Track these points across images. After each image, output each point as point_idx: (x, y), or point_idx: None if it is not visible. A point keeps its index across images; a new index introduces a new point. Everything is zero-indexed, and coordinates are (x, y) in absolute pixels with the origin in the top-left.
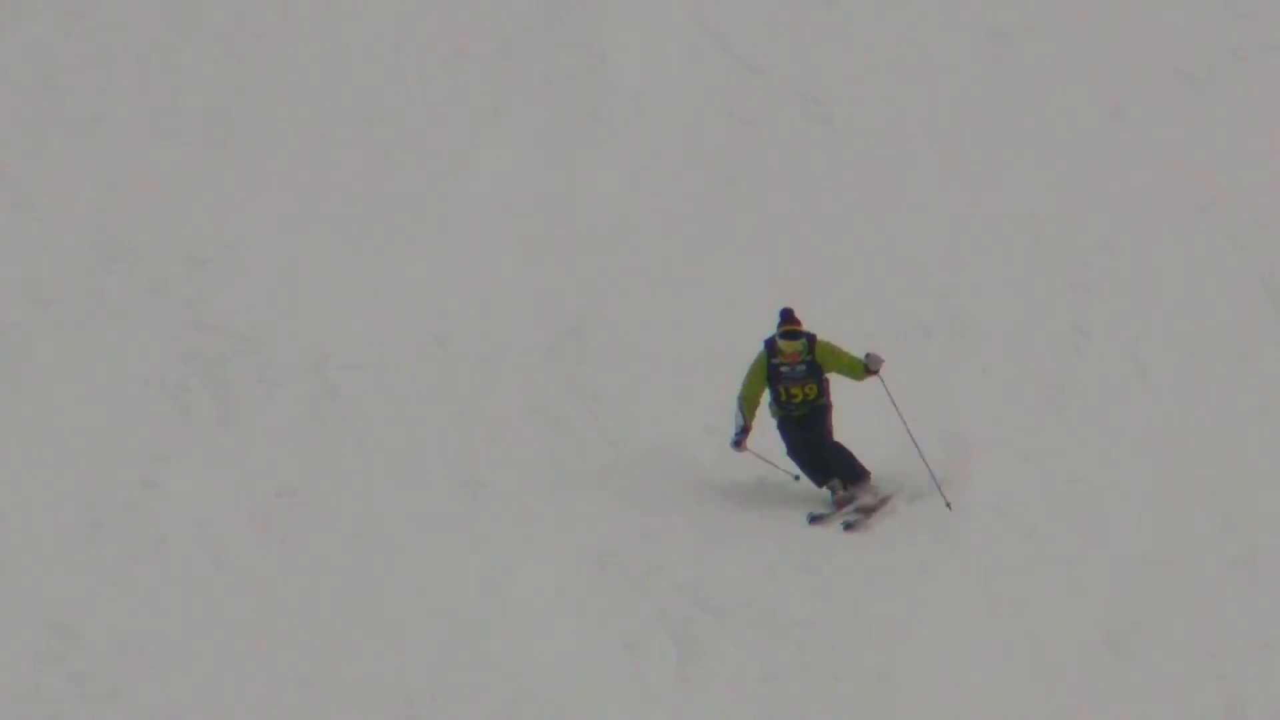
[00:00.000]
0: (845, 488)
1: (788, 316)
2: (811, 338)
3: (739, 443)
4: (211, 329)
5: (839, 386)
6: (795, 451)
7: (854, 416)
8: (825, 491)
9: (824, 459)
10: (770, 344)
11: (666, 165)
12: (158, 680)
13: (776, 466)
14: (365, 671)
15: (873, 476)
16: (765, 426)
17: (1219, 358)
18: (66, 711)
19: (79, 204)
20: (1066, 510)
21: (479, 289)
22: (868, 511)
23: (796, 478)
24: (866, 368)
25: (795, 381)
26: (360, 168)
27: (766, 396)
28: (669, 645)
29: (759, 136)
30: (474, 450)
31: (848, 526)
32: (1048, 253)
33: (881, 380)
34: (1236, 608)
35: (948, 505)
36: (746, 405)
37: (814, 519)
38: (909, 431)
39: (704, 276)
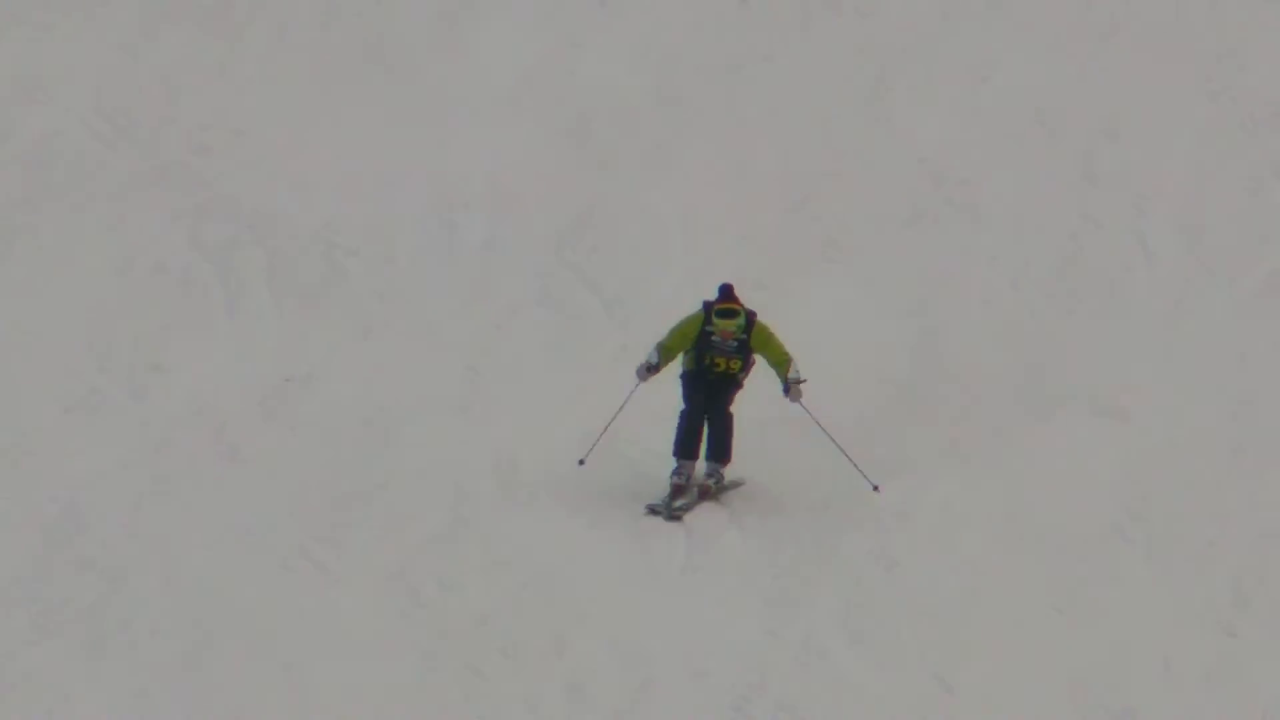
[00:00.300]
0: (686, 476)
1: (726, 294)
2: (751, 317)
3: (644, 376)
4: (217, 213)
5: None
6: (689, 407)
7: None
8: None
9: (711, 422)
10: (708, 309)
11: (669, 46)
12: (163, 564)
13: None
14: (370, 556)
15: (729, 465)
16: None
17: (1224, 242)
18: (74, 594)
19: (82, 86)
20: (1073, 395)
21: (486, 174)
22: (707, 494)
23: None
24: (788, 387)
25: (723, 354)
26: (365, 51)
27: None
28: (678, 533)
29: (763, 18)
30: (480, 336)
31: (673, 516)
32: (1054, 138)
33: (802, 406)
34: (1241, 493)
35: (875, 489)
36: (664, 352)
37: (652, 510)
38: (862, 473)
39: (709, 160)
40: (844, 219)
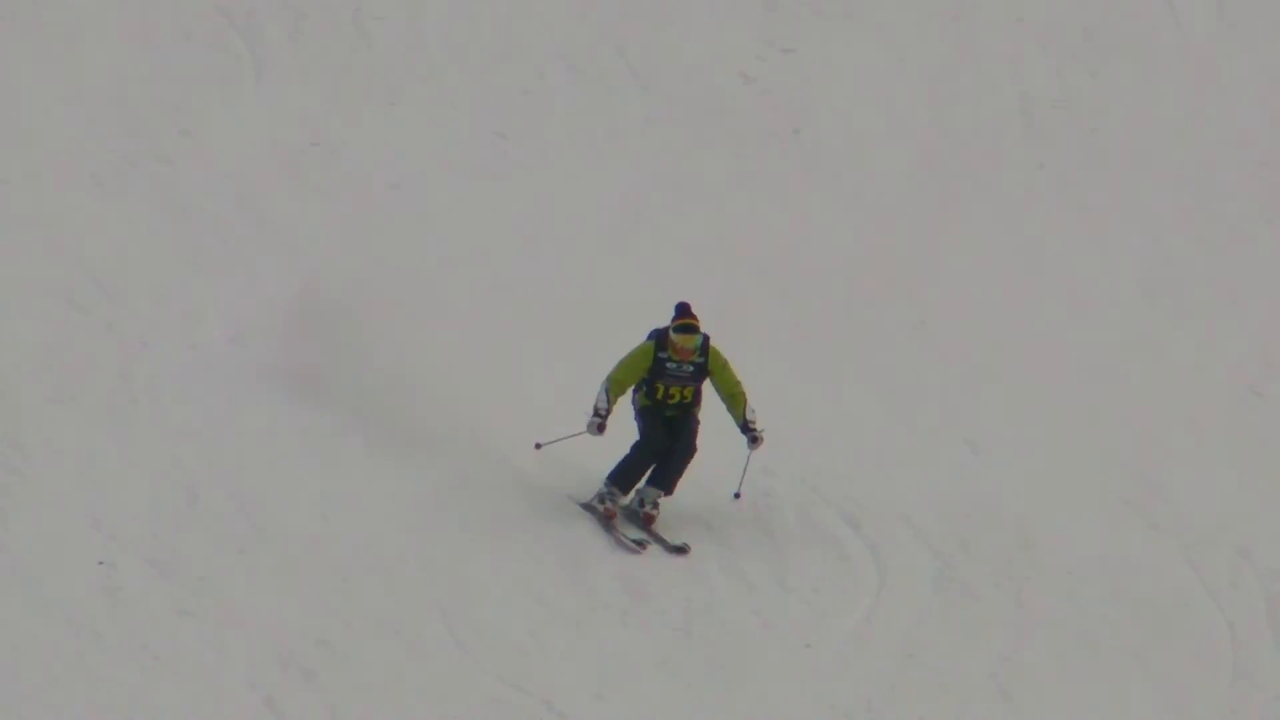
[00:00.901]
0: (614, 504)
1: (684, 310)
2: (706, 339)
3: (600, 425)
4: None
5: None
6: (646, 441)
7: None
8: (631, 499)
9: (671, 454)
10: (660, 337)
11: None
12: (189, 329)
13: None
14: (396, 324)
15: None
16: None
17: (1252, 6)
18: (100, 357)
19: None
20: (1099, 157)
21: None
22: (651, 523)
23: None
24: (748, 428)
25: (679, 381)
26: None
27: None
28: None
29: None
30: (507, 102)
31: (639, 546)
32: None
33: (750, 452)
34: (1267, 251)
35: (736, 495)
36: (614, 388)
37: (639, 544)
38: (740, 479)
39: None
40: None
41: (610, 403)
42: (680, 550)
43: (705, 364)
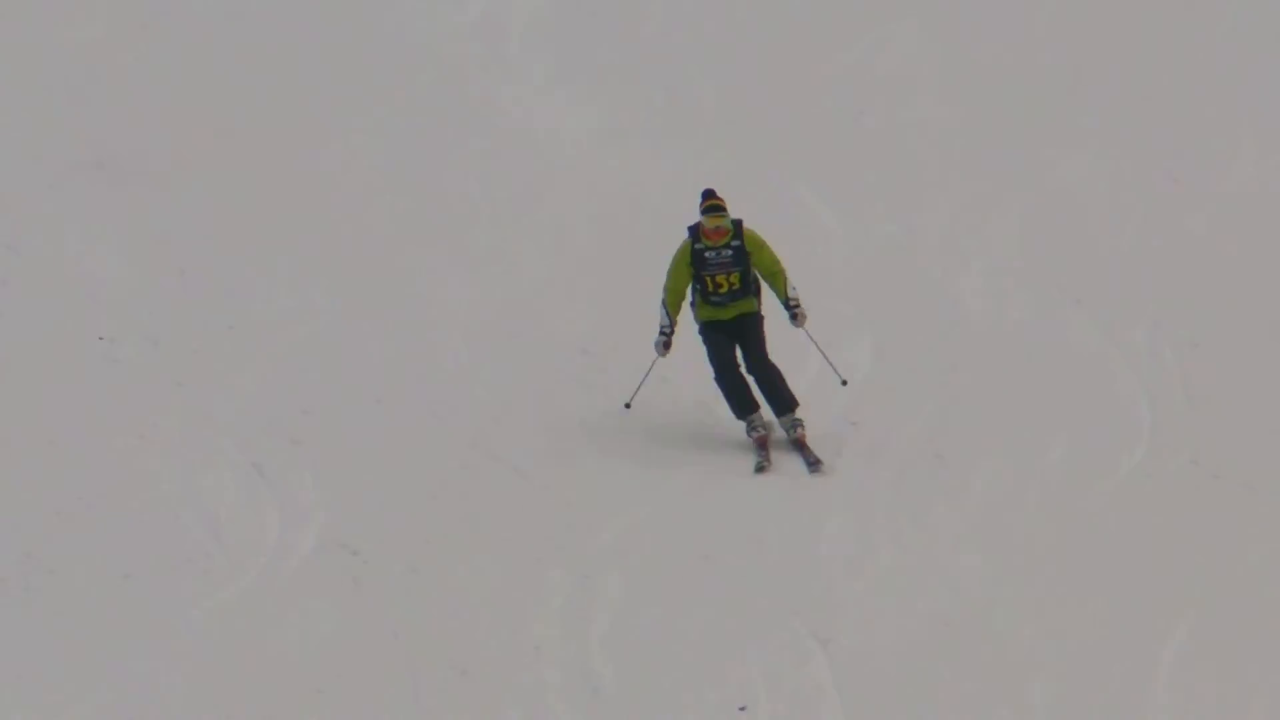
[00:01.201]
0: (762, 427)
1: (710, 194)
2: (738, 222)
3: (666, 343)
4: None
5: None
6: (722, 369)
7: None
8: (779, 430)
9: (755, 375)
10: (694, 229)
11: None
12: (162, 118)
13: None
14: None
15: (798, 408)
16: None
17: None
18: (85, 141)
19: None
20: None
21: None
22: (803, 444)
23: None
24: (790, 305)
25: (721, 268)
26: None
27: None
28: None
29: None
30: None
31: (760, 469)
32: None
33: (806, 332)
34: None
35: (843, 382)
36: (671, 299)
37: (761, 468)
38: (832, 367)
39: None
40: None
41: (672, 318)
42: (816, 466)
43: (743, 246)
